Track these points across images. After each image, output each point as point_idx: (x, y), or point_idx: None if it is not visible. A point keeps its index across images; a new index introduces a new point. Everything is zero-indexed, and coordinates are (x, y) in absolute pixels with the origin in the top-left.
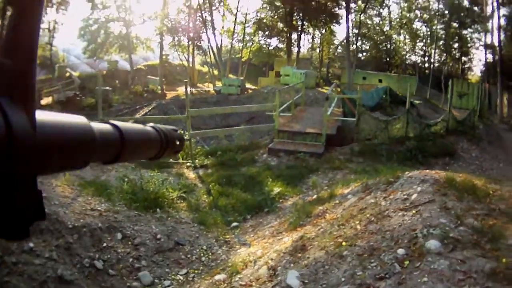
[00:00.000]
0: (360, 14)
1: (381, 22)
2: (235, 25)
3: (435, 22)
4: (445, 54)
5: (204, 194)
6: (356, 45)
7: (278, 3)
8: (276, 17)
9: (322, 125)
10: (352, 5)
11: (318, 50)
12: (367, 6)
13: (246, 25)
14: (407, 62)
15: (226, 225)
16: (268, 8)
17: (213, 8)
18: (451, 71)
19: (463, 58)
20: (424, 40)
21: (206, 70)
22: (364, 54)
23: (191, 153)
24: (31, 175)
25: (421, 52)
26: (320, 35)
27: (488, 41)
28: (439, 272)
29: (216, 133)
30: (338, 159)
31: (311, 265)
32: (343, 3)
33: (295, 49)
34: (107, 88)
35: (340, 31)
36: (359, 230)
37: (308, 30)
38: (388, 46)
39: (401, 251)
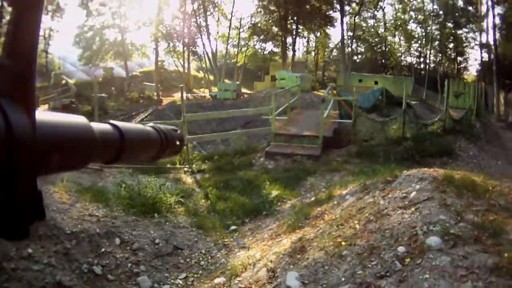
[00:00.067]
0: (355, 17)
1: (375, 24)
2: (229, 30)
3: (430, 22)
4: (440, 55)
5: (202, 198)
6: (351, 48)
7: (272, 7)
8: (270, 21)
9: (318, 127)
10: (347, 7)
11: (313, 53)
12: (362, 8)
13: (241, 30)
14: (402, 64)
15: (224, 229)
16: (262, 12)
17: (208, 13)
18: (447, 71)
19: (459, 58)
20: (419, 41)
21: (201, 75)
22: (360, 56)
23: (188, 158)
24: (31, 175)
25: (417, 53)
26: (315, 38)
27: (484, 40)
28: (440, 268)
29: (212, 137)
30: (336, 161)
31: (310, 266)
32: (338, 6)
33: (290, 53)
34: (103, 95)
35: (335, 34)
36: (358, 230)
37: (303, 34)
38: (384, 48)
39: (401, 248)
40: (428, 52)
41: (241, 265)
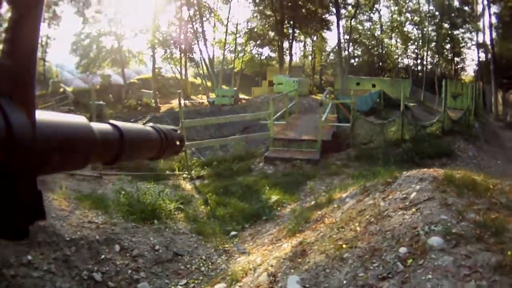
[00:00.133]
0: (351, 20)
1: (372, 27)
2: (226, 35)
3: (426, 24)
4: (437, 56)
5: (201, 204)
6: (348, 51)
7: (268, 12)
8: (267, 26)
9: (317, 131)
10: (343, 11)
11: (310, 57)
12: (358, 11)
13: (237, 35)
14: (399, 66)
15: (224, 235)
16: (258, 17)
17: (204, 19)
18: (444, 72)
19: (456, 59)
20: (416, 43)
21: (199, 82)
22: (357, 59)
23: (187, 164)
24: (31, 175)
25: (414, 55)
26: (311, 42)
27: (480, 40)
28: (443, 268)
29: (211, 143)
30: (335, 164)
31: (311, 269)
32: (334, 9)
33: (287, 58)
34: (101, 102)
35: (331, 37)
36: (359, 232)
37: (300, 38)
38: (380, 51)
39: (403, 249)
40: (425, 53)
41: (242, 271)
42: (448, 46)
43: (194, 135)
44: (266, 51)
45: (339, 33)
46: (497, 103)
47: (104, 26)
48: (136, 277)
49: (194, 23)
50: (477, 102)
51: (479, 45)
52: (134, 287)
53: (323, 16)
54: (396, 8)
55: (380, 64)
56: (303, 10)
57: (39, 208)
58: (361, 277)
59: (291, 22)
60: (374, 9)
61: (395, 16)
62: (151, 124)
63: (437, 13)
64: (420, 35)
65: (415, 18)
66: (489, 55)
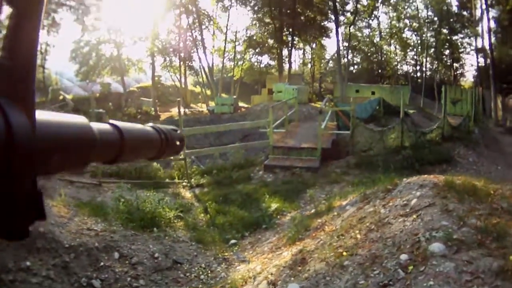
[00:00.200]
0: (350, 27)
1: (371, 34)
2: (225, 43)
3: (425, 30)
4: (436, 62)
5: (201, 213)
6: (347, 58)
7: (267, 20)
8: (266, 33)
9: (316, 139)
10: (341, 18)
11: (309, 65)
12: (356, 18)
13: (237, 43)
14: (399, 73)
15: (224, 243)
16: (257, 25)
17: (203, 27)
18: (444, 78)
19: (455, 65)
20: (415, 49)
21: (198, 90)
22: (356, 67)
23: (186, 172)
24: (31, 175)
25: (413, 62)
26: (310, 50)
27: (479, 45)
28: (445, 274)
29: (210, 151)
30: (335, 172)
31: (311, 277)
32: (332, 16)
33: (286, 66)
34: (101, 110)
35: (330, 45)
36: (359, 239)
37: (299, 46)
38: (379, 58)
39: (404, 256)
40: (424, 59)
41: (242, 279)
42: (447, 51)
43: (193, 143)
44: (265, 59)
45: (338, 40)
46: (496, 108)
47: (104, 33)
48: (136, 284)
49: (193, 31)
50: (476, 108)
51: (478, 50)
52: None
53: (322, 23)
54: (395, 14)
55: (380, 71)
56: (302, 18)
57: (39, 208)
58: (362, 284)
59: (290, 30)
60: (373, 15)
61: (394, 22)
62: (151, 124)
63: (435, 18)
64: (419, 41)
65: (414, 24)
66: (488, 60)
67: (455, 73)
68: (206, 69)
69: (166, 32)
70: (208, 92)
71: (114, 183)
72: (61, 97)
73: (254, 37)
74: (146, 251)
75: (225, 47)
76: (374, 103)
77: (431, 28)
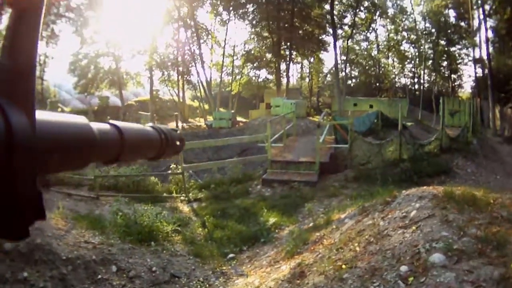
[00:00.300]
0: (348, 40)
1: (368, 47)
2: (223, 58)
3: (423, 41)
4: (434, 74)
5: (199, 227)
6: (345, 72)
7: (265, 34)
8: (264, 48)
9: (315, 153)
10: (339, 31)
11: (307, 79)
12: (354, 31)
13: (235, 57)
14: (397, 85)
15: (222, 257)
16: (255, 39)
17: (201, 41)
18: (441, 90)
19: (453, 76)
20: (413, 61)
21: (196, 104)
22: (354, 80)
23: (184, 186)
24: (31, 175)
25: (410, 74)
26: (308, 64)
27: (477, 55)
28: (445, 284)
29: (209, 166)
30: (333, 186)
31: None
32: (330, 30)
33: (284, 80)
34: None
35: (328, 59)
36: (358, 252)
37: (297, 60)
38: (377, 71)
39: (404, 268)
40: (422, 72)
41: None
42: (445, 63)
43: (192, 158)
44: (263, 73)
45: (336, 54)
46: (494, 118)
47: (102, 47)
48: None
49: (191, 45)
50: (474, 119)
51: (476, 61)
52: None
53: (320, 37)
54: (393, 27)
55: (377, 84)
56: (300, 31)
57: (39, 208)
58: None
59: (288, 44)
60: (371, 28)
61: (391, 35)
62: (150, 124)
63: (433, 30)
64: (417, 53)
65: (412, 36)
66: (486, 70)
67: (453, 84)
68: (204, 83)
69: (165, 46)
70: (206, 106)
71: (112, 197)
72: (59, 110)
73: (252, 51)
74: (144, 264)
75: (223, 61)
76: (372, 116)
77: (428, 40)
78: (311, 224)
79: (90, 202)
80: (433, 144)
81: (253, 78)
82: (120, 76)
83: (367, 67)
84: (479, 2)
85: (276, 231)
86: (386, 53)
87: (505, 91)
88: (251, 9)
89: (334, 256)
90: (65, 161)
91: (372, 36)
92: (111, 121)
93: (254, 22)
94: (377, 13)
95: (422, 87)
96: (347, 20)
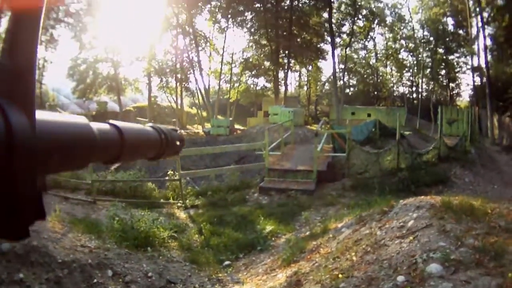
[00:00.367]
0: (346, 48)
1: (367, 55)
2: (222, 65)
3: (421, 50)
4: (432, 82)
5: (195, 233)
6: (343, 81)
7: (263, 41)
8: (262, 55)
9: (312, 162)
10: (338, 39)
11: (305, 87)
12: (352, 39)
13: (233, 65)
14: (395, 94)
15: (218, 264)
16: (254, 47)
17: (200, 48)
18: (440, 98)
19: (451, 84)
20: (411, 70)
21: (194, 112)
22: (352, 89)
23: (181, 193)
24: (31, 175)
25: (409, 83)
26: (307, 72)
27: (475, 63)
28: None
29: (206, 173)
30: (330, 195)
31: None
32: (329, 38)
33: (282, 88)
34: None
35: (326, 67)
36: (355, 262)
37: (295, 68)
38: (376, 79)
39: (400, 278)
40: (420, 80)
41: None
42: (443, 71)
43: (189, 165)
44: (261, 81)
45: (334, 62)
46: (493, 127)
47: (101, 52)
48: None
49: (189, 52)
50: (473, 127)
51: (474, 69)
52: None
53: (318, 46)
54: (391, 35)
55: (375, 93)
56: (298, 40)
57: (39, 208)
58: None
59: (286, 52)
60: (369, 37)
61: (390, 43)
62: (150, 124)
63: (431, 38)
64: (415, 62)
65: (410, 44)
66: (484, 79)
67: (451, 93)
68: (202, 91)
69: (163, 52)
70: (204, 113)
71: (109, 202)
72: None
73: (250, 59)
74: (140, 270)
75: (221, 68)
76: (370, 125)
77: (427, 48)
78: (308, 233)
79: (87, 206)
80: (431, 153)
81: (251, 86)
82: (118, 81)
83: (365, 76)
84: (478, 9)
85: (273, 239)
86: (384, 62)
87: (504, 99)
88: (249, 16)
89: (330, 265)
90: (65, 161)
91: (370, 45)
92: (111, 121)
93: (252, 30)
94: (375, 22)
95: (420, 95)
96: (345, 28)
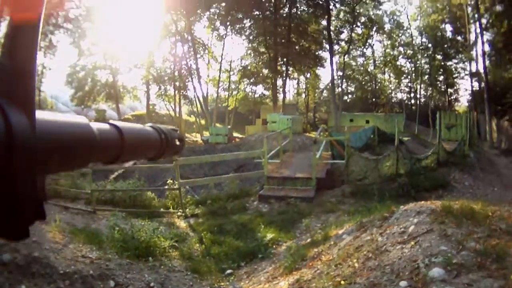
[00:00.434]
0: (344, 56)
1: (365, 62)
2: (220, 73)
3: (419, 56)
4: (430, 88)
5: (196, 242)
6: (342, 88)
7: (262, 49)
8: (260, 63)
9: (311, 169)
10: (336, 47)
11: (303, 95)
12: (351, 46)
13: (231, 73)
14: (393, 100)
15: (220, 273)
16: (252, 54)
17: (198, 56)
18: (438, 104)
19: (449, 90)
20: (409, 76)
21: (193, 120)
22: (350, 96)
23: (181, 202)
24: (31, 175)
25: (407, 89)
26: (305, 79)
27: (473, 69)
28: None
29: (205, 181)
30: (330, 202)
31: None
32: (327, 46)
33: (280, 95)
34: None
35: (325, 74)
36: (357, 268)
37: (293, 75)
38: (374, 86)
39: (403, 283)
40: (419, 86)
41: None
42: (441, 77)
43: (188, 173)
44: (259, 89)
45: (332, 70)
46: (491, 130)
47: (99, 59)
48: None
49: (188, 60)
50: (471, 132)
51: (473, 74)
52: None
53: (317, 53)
54: (389, 42)
55: (374, 99)
56: (297, 47)
57: (39, 208)
58: None
59: (285, 60)
60: (367, 44)
61: (388, 50)
62: (150, 124)
63: (430, 45)
64: (413, 68)
65: (408, 51)
66: (483, 84)
67: (450, 98)
68: (201, 99)
69: (161, 60)
70: (203, 121)
71: (109, 211)
72: None
73: (249, 67)
74: (142, 280)
75: (219, 76)
76: (369, 131)
77: (425, 55)
78: (308, 240)
79: (87, 216)
80: (430, 159)
81: (250, 93)
82: (117, 89)
83: (363, 83)
84: (476, 16)
85: (274, 247)
86: (383, 69)
87: (502, 104)
88: (248, 24)
89: (332, 272)
90: (65, 161)
91: (368, 52)
92: (111, 121)
93: (251, 37)
94: (374, 29)
95: (418, 101)
96: (344, 35)
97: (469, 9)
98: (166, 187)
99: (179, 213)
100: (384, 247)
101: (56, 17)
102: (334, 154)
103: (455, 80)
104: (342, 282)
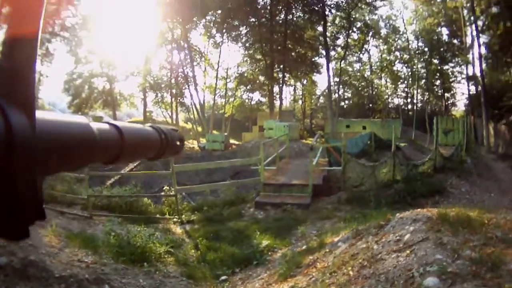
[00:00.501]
0: (341, 62)
1: (361, 68)
2: (216, 80)
3: (416, 61)
4: (427, 93)
5: (191, 249)
6: (338, 94)
7: (258, 56)
8: (257, 70)
9: (307, 176)
10: (332, 52)
11: (300, 101)
12: (347, 52)
13: (228, 80)
14: (390, 106)
15: (215, 279)
16: (248, 61)
17: (195, 63)
18: (435, 109)
19: (446, 94)
20: (406, 81)
21: (189, 127)
22: (347, 102)
23: (177, 208)
24: (31, 175)
25: (404, 94)
26: (301, 86)
27: (470, 72)
28: None
29: (202, 188)
30: (326, 208)
31: None
32: (323, 52)
33: (277, 102)
34: None
35: (321, 80)
36: (352, 276)
37: (290, 82)
38: (370, 92)
39: None
40: (415, 91)
41: None
42: (438, 82)
43: (185, 180)
44: (256, 96)
45: (329, 76)
46: (488, 135)
47: (96, 67)
48: None
49: (184, 67)
50: (468, 137)
51: (469, 78)
52: None
53: (313, 59)
54: (386, 47)
55: (370, 105)
56: (293, 54)
57: (39, 208)
58: None
59: (281, 66)
60: (364, 49)
61: (384, 55)
62: (150, 124)
63: (426, 49)
64: (410, 73)
65: (405, 56)
66: (480, 87)
67: (446, 103)
68: (198, 106)
69: (158, 67)
70: (199, 128)
71: (105, 217)
72: None
73: (245, 74)
74: (137, 285)
75: (216, 83)
76: (365, 137)
77: (421, 59)
78: (304, 247)
79: (83, 221)
80: (427, 164)
81: (246, 100)
82: (114, 96)
83: (360, 88)
84: (472, 18)
85: (269, 253)
86: (379, 74)
87: (499, 107)
88: (244, 31)
89: (327, 279)
90: (65, 161)
91: (365, 57)
92: (111, 121)
93: (247, 44)
94: (370, 34)
95: (415, 106)
96: (340, 41)
97: (465, 11)
98: (163, 193)
99: (175, 219)
100: (380, 256)
101: (53, 26)
102: (331, 161)
103: (452, 84)
104: None
